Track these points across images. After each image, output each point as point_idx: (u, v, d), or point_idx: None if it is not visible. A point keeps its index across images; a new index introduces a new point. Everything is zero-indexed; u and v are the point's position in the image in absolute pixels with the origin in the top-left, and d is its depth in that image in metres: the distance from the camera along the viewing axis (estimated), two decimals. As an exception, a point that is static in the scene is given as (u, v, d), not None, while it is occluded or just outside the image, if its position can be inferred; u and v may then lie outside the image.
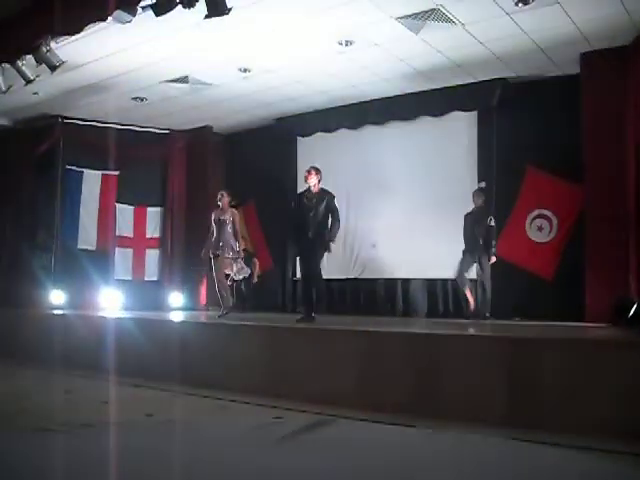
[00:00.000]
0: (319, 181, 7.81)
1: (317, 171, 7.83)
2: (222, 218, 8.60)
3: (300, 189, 11.18)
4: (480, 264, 8.67)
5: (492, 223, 8.64)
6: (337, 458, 1.76)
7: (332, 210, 7.72)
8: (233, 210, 8.75)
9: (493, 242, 8.54)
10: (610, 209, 7.85)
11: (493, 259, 8.56)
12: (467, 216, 8.84)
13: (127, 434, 2.09)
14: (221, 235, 8.56)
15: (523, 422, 4.54)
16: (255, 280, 11.09)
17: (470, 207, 8.92)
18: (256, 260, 11.24)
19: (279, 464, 1.68)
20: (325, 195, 7.76)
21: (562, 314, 8.00)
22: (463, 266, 8.71)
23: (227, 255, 8.54)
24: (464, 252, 8.75)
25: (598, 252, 7.91)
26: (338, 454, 1.80)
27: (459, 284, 8.82)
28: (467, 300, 8.75)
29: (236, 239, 8.64)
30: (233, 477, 1.58)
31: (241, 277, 9.16)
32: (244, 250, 9.75)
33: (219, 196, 8.77)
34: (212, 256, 8.61)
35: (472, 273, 8.90)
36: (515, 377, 4.81)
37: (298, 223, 7.85)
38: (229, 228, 8.57)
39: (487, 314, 8.54)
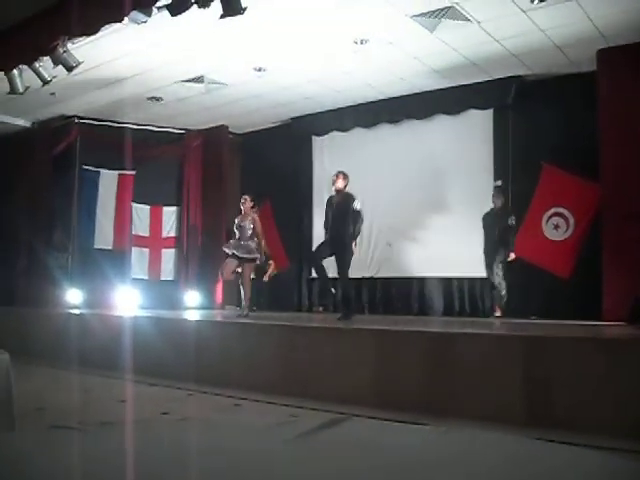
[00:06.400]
0: (345, 186, 8.08)
1: (344, 175, 8.12)
2: (242, 224, 8.67)
3: (315, 188, 11.29)
4: (493, 264, 8.64)
5: (512, 222, 8.60)
6: (352, 457, 1.75)
7: (353, 212, 7.94)
8: (255, 215, 8.81)
9: (511, 240, 8.53)
10: (628, 207, 7.78)
11: (512, 256, 8.53)
12: (486, 216, 8.83)
13: (143, 432, 2.10)
14: (242, 240, 8.63)
15: (538, 421, 4.53)
16: (266, 279, 11.09)
17: (487, 206, 8.90)
18: (272, 262, 11.24)
19: (293, 463, 1.68)
20: (348, 199, 8.01)
21: (579, 313, 7.95)
22: (492, 267, 8.70)
23: (247, 256, 8.59)
24: (485, 253, 8.75)
25: (615, 250, 7.84)
26: (353, 453, 1.79)
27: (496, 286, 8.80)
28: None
29: (257, 243, 8.69)
30: (249, 476, 1.59)
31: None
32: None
33: (242, 200, 8.90)
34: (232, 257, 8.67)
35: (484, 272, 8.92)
36: (530, 376, 4.79)
37: (326, 227, 8.20)
38: (249, 233, 8.63)
39: (497, 314, 8.53)
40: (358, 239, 8.29)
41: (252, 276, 9.20)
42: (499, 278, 8.54)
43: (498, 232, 8.57)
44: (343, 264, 7.91)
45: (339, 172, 8.19)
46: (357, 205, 7.92)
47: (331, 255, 7.98)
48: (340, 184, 8.05)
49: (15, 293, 11.27)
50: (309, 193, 11.44)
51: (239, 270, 8.72)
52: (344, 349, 5.89)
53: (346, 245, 7.89)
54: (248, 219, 8.69)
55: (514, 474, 1.61)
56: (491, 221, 8.74)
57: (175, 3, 6.25)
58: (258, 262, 8.89)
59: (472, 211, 9.19)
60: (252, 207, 8.87)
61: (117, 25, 6.79)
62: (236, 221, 8.82)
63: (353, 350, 5.82)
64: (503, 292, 8.56)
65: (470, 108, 9.79)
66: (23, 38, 7.17)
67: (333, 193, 8.18)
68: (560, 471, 1.64)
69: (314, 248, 9.20)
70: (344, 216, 7.87)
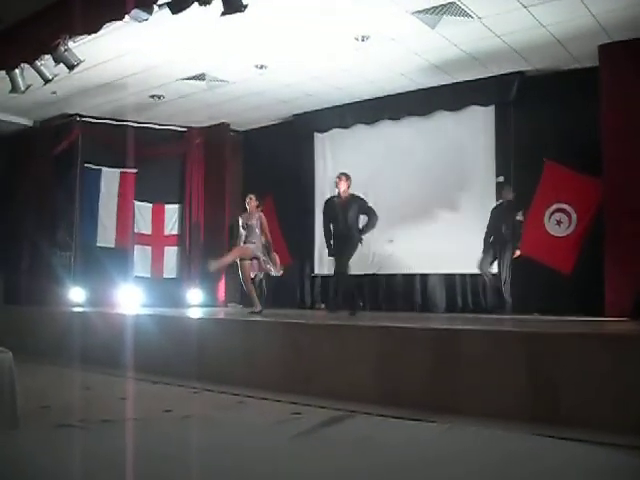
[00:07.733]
0: (348, 187, 8.33)
1: (347, 177, 8.37)
2: (249, 223, 8.68)
3: (318, 185, 11.28)
4: (502, 258, 8.65)
5: (520, 217, 8.63)
6: (355, 454, 1.76)
7: (367, 210, 8.35)
8: (260, 214, 8.79)
9: (519, 236, 8.57)
10: (630, 203, 7.77)
11: (518, 253, 8.58)
12: (494, 210, 8.85)
13: (147, 430, 2.11)
14: (250, 237, 8.63)
15: (542, 418, 4.52)
16: (281, 272, 10.99)
17: (489, 202, 8.91)
18: (275, 254, 11.16)
19: (297, 460, 1.69)
20: (355, 200, 8.30)
21: (582, 309, 7.95)
22: (487, 259, 8.74)
23: (259, 255, 8.60)
24: (486, 245, 8.76)
25: (618, 246, 7.83)
26: (356, 450, 1.79)
27: (484, 276, 8.86)
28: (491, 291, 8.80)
29: (267, 240, 8.69)
30: (251, 473, 1.59)
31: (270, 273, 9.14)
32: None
33: (247, 200, 8.90)
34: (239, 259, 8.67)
35: (493, 267, 8.91)
36: (534, 372, 4.79)
37: (328, 227, 8.48)
38: (257, 231, 8.62)
39: (507, 306, 8.57)
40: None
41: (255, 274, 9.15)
42: (507, 271, 8.60)
43: (507, 227, 8.59)
44: (346, 261, 8.04)
45: (341, 174, 8.35)
46: (369, 203, 8.25)
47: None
48: (343, 186, 8.25)
49: (18, 291, 11.29)
50: (311, 190, 11.42)
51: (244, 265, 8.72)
52: (346, 346, 5.89)
53: (352, 242, 8.13)
54: (255, 217, 8.69)
55: (517, 470, 1.61)
56: (498, 214, 8.76)
57: (176, 1, 6.25)
58: (262, 260, 8.74)
59: (474, 207, 9.19)
60: (257, 206, 8.86)
61: (118, 23, 6.76)
62: (241, 220, 8.81)
63: (355, 347, 5.82)
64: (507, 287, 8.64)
65: (471, 104, 9.76)
66: (24, 36, 7.17)
67: (335, 194, 8.27)
68: (563, 467, 1.64)
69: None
70: (352, 216, 8.12)
